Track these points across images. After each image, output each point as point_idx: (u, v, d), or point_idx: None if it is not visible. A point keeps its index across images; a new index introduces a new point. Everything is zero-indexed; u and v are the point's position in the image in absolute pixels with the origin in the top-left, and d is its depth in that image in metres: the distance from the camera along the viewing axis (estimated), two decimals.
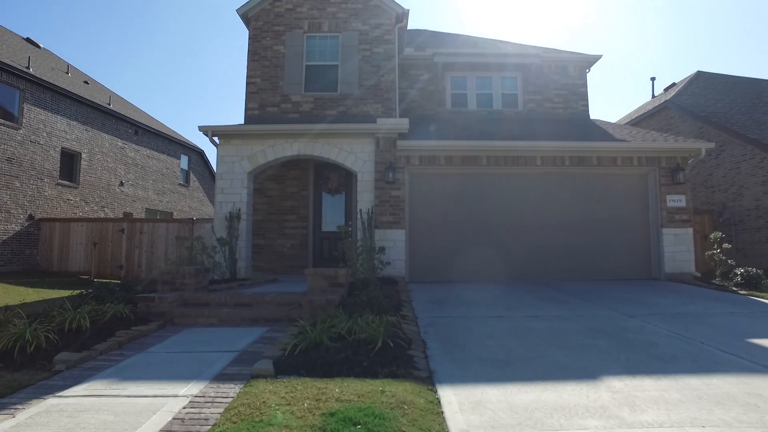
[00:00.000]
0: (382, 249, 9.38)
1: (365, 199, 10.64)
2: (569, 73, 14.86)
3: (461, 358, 4.98)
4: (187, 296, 7.03)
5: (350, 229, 12.05)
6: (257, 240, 12.15)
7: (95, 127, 19.04)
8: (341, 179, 12.60)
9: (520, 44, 16.21)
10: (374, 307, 6.22)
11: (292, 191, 12.48)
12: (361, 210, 10.47)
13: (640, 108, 21.14)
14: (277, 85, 12.55)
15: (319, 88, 12.57)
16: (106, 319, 5.87)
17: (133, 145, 21.31)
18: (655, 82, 22.50)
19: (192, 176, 26.42)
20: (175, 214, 23.98)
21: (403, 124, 10.55)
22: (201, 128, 10.62)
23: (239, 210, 10.48)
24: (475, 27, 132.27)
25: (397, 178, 10.47)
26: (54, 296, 11.17)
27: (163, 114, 76.66)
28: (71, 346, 4.90)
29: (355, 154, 10.77)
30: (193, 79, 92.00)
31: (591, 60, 14.95)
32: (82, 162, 18.31)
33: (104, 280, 15.87)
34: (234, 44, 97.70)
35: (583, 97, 14.78)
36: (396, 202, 10.48)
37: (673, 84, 21.23)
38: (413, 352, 4.92)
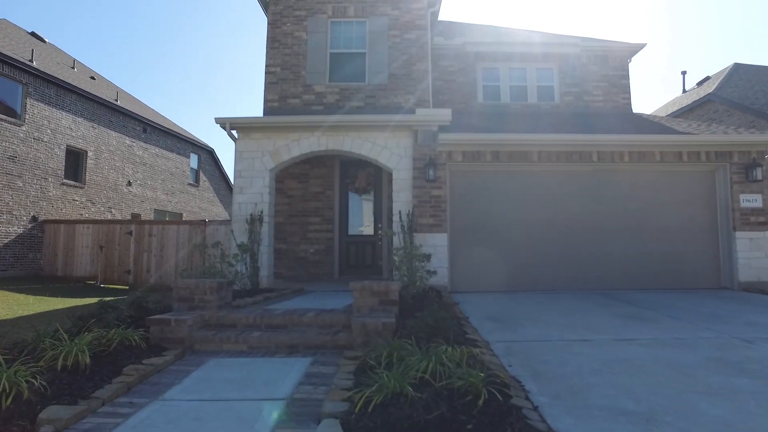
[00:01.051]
0: (427, 256, 8.10)
1: (401, 198, 9.36)
2: (609, 64, 13.55)
3: (580, 408, 3.69)
4: (209, 316, 5.77)
5: (380, 233, 10.78)
6: (278, 245, 10.89)
7: (102, 125, 17.82)
8: (370, 178, 11.33)
9: (556, 34, 14.93)
10: (441, 331, 4.94)
11: (316, 191, 11.21)
12: (400, 212, 9.19)
13: (672, 102, 19.80)
14: (299, 74, 11.29)
15: (344, 78, 11.31)
16: (111, 349, 4.61)
17: (142, 144, 20.10)
18: (686, 76, 21.17)
19: (202, 176, 25.21)
20: (184, 215, 22.78)
21: (446, 115, 9.27)
22: (218, 120, 9.36)
23: (261, 212, 9.22)
24: (500, 19, 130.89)
25: (438, 175, 9.19)
26: (57, 306, 9.93)
27: (173, 112, 75.62)
28: (64, 393, 3.64)
29: (390, 149, 9.50)
30: (204, 75, 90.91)
31: (633, 49, 13.63)
32: (88, 161, 17.10)
33: (111, 286, 14.66)
34: (249, 37, 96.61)
35: (625, 90, 13.47)
36: (437, 202, 9.20)
37: (708, 77, 19.91)
38: (517, 401, 3.64)
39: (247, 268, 8.54)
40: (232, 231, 8.81)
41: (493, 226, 9.43)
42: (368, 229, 11.31)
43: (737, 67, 18.62)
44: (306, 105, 11.08)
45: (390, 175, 10.93)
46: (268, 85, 11.36)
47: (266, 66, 11.46)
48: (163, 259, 14.36)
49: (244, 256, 8.30)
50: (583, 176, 9.55)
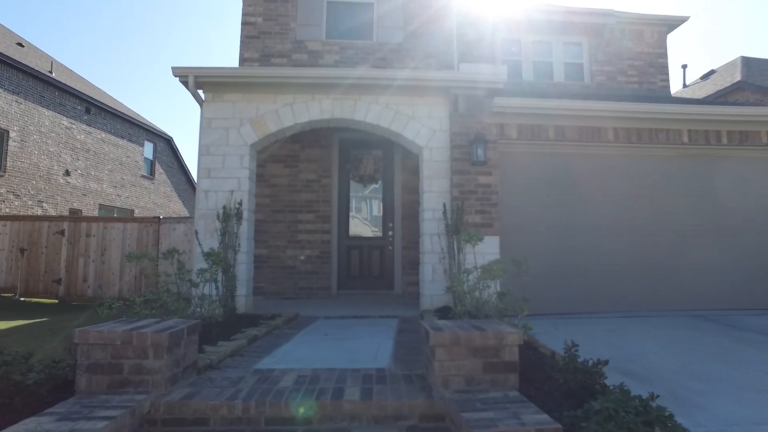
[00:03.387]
0: (501, 270, 5.30)
1: (435, 187, 6.57)
2: (645, 40, 11.21)
3: None
4: (152, 403, 2.79)
5: (391, 234, 7.95)
6: (258, 249, 7.89)
7: (31, 100, 14.11)
8: (378, 162, 8.46)
9: (586, 7, 12.55)
10: None
11: (309, 179, 8.26)
12: (445, 205, 6.38)
13: (685, 93, 17.91)
14: (286, 27, 8.31)
15: (346, 34, 8.43)
16: None
17: (84, 126, 16.39)
18: (686, 69, 19.46)
19: (158, 167, 21.53)
20: (136, 211, 19.13)
21: (499, 74, 6.54)
22: (177, 72, 6.27)
23: (240, 204, 6.19)
24: None
25: (488, 157, 6.45)
26: None
27: (125, 96, 69.06)
28: None
29: (419, 120, 6.68)
30: (160, 52, 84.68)
31: (673, 23, 11.37)
32: (11, 143, 13.38)
33: (35, 300, 11.11)
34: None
35: (663, 70, 11.15)
36: (486, 193, 6.47)
37: (713, 71, 18.17)
38: None
39: (218, 289, 5.52)
40: (196, 233, 5.75)
41: (552, 227, 6.79)
42: (374, 230, 8.47)
43: (746, 61, 16.93)
44: (296, 66, 8.13)
45: (406, 159, 8.13)
46: (246, 40, 8.33)
47: (243, 15, 8.42)
48: (105, 266, 10.95)
49: (215, 270, 5.29)
50: (669, 163, 7.04)
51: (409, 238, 8.19)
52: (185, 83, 6.35)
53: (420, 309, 6.60)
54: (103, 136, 17.45)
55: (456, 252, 5.89)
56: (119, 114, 18.28)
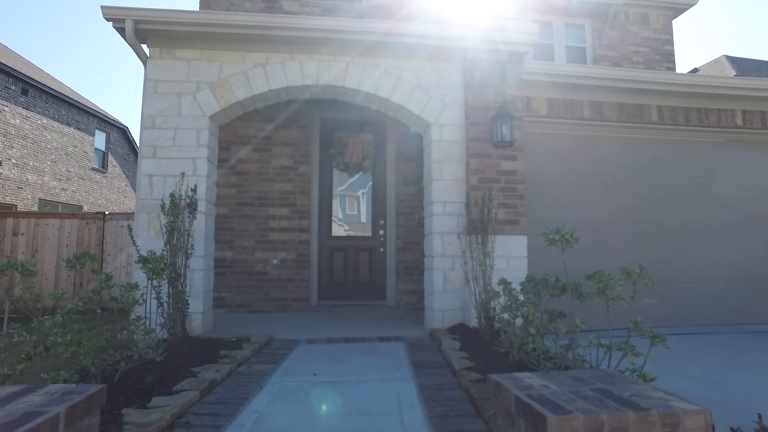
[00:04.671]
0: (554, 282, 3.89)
1: (446, 174, 5.14)
2: (651, 24, 10.16)
3: None
4: None
5: (383, 233, 6.52)
6: (220, 251, 6.28)
7: None
8: (367, 148, 6.97)
9: None
10: None
11: (284, 165, 6.70)
12: (471, 197, 4.94)
13: None
14: None
15: None
16: None
17: (20, 109, 14.16)
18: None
19: (111, 159, 19.29)
20: (86, 207, 16.93)
21: (528, 32, 5.15)
22: (109, 13, 4.56)
23: (193, 191, 4.57)
24: None
25: (515, 137, 5.07)
26: None
27: (82, 87, 64.70)
28: None
29: (426, 89, 5.24)
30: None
31: (679, 7, 10.39)
32: None
33: None
34: None
35: (669, 58, 10.11)
36: (510, 182, 5.09)
37: (696, 69, 17.57)
38: None
39: (164, 306, 3.90)
40: (129, 230, 4.07)
41: (586, 223, 5.49)
42: (362, 228, 6.97)
43: (730, 59, 16.38)
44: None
45: (402, 144, 6.71)
46: None
47: None
48: (38, 270, 8.99)
49: (157, 281, 3.68)
50: (719, 150, 5.86)
51: (405, 238, 6.75)
52: (121, 31, 4.69)
53: (427, 327, 5.17)
54: (45, 122, 15.20)
55: (483, 256, 4.48)
56: (65, 98, 16.04)
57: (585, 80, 5.09)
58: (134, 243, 4.05)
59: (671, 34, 10.42)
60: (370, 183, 7.00)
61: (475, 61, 5.19)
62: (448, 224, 5.08)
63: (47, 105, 15.34)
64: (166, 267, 3.85)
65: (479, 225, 4.53)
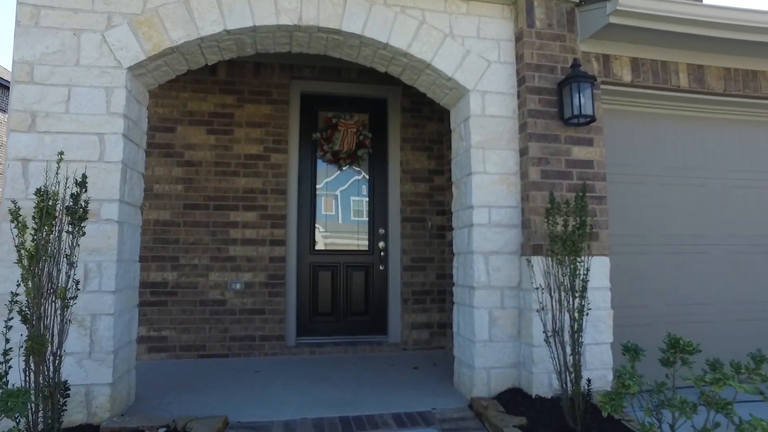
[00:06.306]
0: None
1: (492, 166, 3.43)
2: None
3: None
4: None
5: (383, 245, 4.79)
6: (158, 272, 4.41)
7: None
8: (360, 131, 5.21)
9: None
10: None
11: (250, 153, 4.86)
12: (551, 194, 3.13)
13: None
14: None
15: None
16: None
17: None
18: None
19: None
20: None
21: None
22: None
23: (80, 186, 2.56)
24: None
25: (596, 112, 3.41)
26: None
27: None
28: None
29: (460, 39, 3.51)
30: None
31: None
32: None
33: None
34: None
35: None
36: (585, 177, 3.41)
37: None
38: None
39: (28, 381, 2.06)
40: None
41: (671, 236, 3.91)
42: (356, 239, 5.20)
43: None
44: None
45: (410, 126, 5.00)
46: None
47: None
48: None
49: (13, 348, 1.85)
50: None
51: (414, 253, 5.02)
52: None
53: (462, 391, 3.46)
54: None
55: (570, 290, 2.77)
56: None
57: (696, 26, 3.44)
58: None
59: None
60: (367, 179, 5.24)
61: None
62: (496, 240, 3.38)
63: None
64: (30, 315, 1.98)
65: (569, 245, 2.81)
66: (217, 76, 4.85)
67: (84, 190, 2.36)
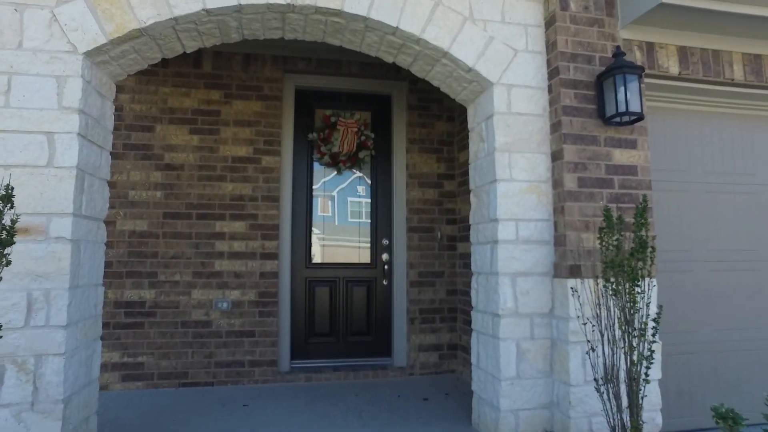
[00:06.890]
0: None
1: (520, 172, 2.91)
2: None
3: None
4: None
5: (387, 258, 4.26)
6: (134, 289, 3.86)
7: None
8: (362, 132, 4.67)
9: None
10: None
11: (239, 156, 4.31)
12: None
13: None
14: None
15: None
16: None
17: None
18: None
19: None
20: None
21: None
22: None
23: (6, 196, 2.12)
24: None
25: (643, 110, 2.91)
26: None
27: None
28: None
29: (482, 24, 3.00)
30: None
31: None
32: None
33: None
34: None
35: None
36: (628, 186, 2.90)
37: None
38: None
39: None
40: None
41: (720, 252, 3.41)
42: (357, 251, 4.67)
43: None
44: None
45: (417, 126, 4.47)
46: None
47: None
48: None
49: None
50: None
51: (422, 267, 4.49)
52: None
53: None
54: None
55: (627, 323, 2.25)
56: None
57: (761, 6, 2.93)
58: None
59: None
60: (369, 184, 4.71)
61: None
62: (525, 259, 2.86)
63: None
64: None
65: (619, 266, 2.29)
66: (202, 69, 4.31)
67: (10, 206, 1.81)
